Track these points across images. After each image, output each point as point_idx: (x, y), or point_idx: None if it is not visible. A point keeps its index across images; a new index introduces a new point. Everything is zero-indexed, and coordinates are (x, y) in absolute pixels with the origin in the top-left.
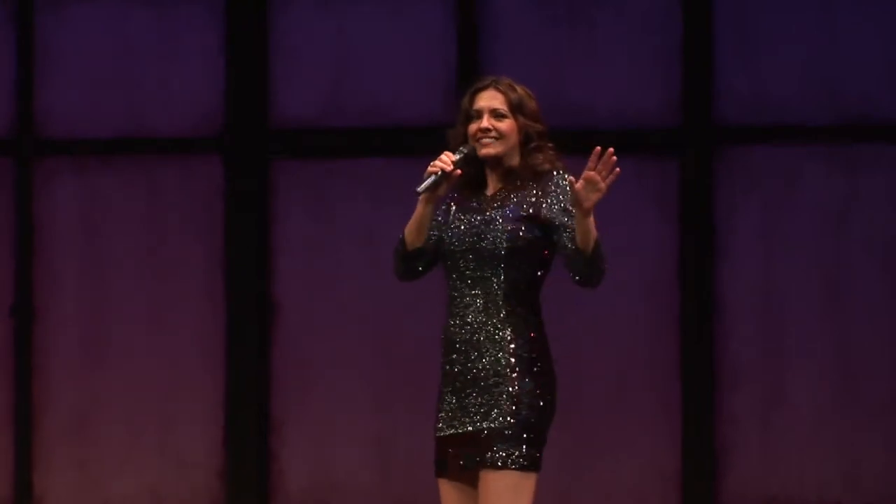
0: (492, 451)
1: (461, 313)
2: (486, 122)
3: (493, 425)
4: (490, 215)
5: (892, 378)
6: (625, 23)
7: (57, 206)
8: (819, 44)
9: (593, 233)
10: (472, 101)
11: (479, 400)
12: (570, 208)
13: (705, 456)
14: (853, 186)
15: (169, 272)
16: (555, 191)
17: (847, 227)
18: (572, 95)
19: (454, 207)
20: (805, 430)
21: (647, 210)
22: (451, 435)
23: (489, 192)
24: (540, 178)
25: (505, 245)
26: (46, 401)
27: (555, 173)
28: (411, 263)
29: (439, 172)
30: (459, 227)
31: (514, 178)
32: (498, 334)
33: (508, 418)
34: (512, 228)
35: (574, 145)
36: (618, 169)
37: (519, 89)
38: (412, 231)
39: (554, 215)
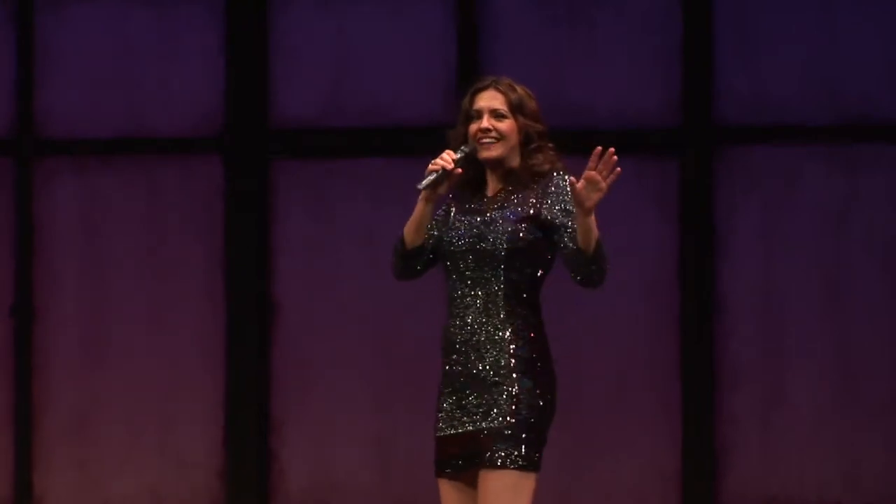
0: (491, 450)
1: (461, 314)
2: (486, 122)
3: (492, 425)
4: (490, 216)
5: (892, 378)
6: (625, 23)
7: (57, 206)
8: (819, 44)
9: (595, 232)
10: (472, 101)
11: (479, 400)
12: (571, 208)
13: (705, 456)
14: (853, 186)
15: (169, 272)
16: (555, 191)
17: (847, 227)
18: (572, 95)
19: (455, 208)
20: (805, 430)
21: (647, 210)
22: (450, 435)
23: (489, 192)
24: (540, 178)
25: (505, 246)
26: (46, 401)
27: (555, 174)
28: (410, 262)
29: (440, 170)
30: (460, 227)
31: (515, 178)
32: (498, 335)
33: (508, 418)
34: (512, 229)
35: (574, 145)
36: (619, 168)
37: (519, 89)
38: (411, 229)
39: (554, 216)
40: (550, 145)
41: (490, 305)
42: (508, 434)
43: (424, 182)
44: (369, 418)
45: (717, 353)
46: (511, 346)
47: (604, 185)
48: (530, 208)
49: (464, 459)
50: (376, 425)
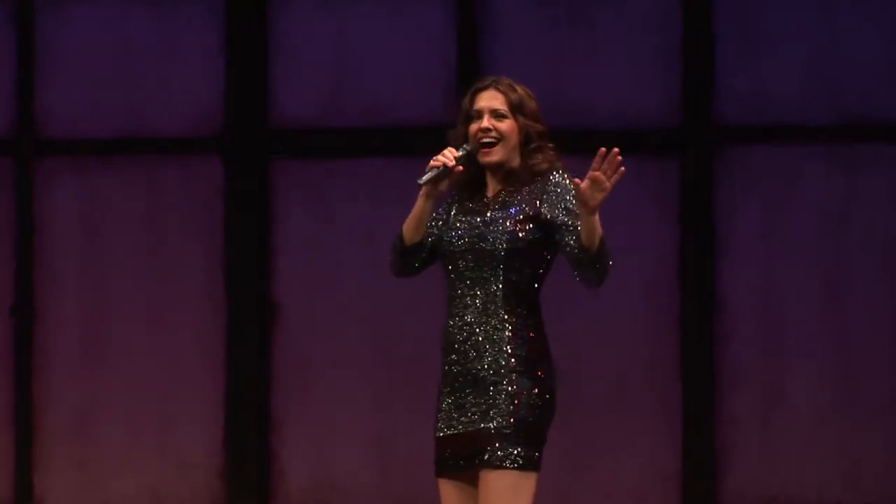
0: (491, 450)
1: (461, 313)
2: (486, 122)
3: (492, 425)
4: (490, 216)
5: (892, 378)
6: (625, 23)
7: (57, 206)
8: (819, 44)
9: (598, 231)
10: (472, 101)
11: (479, 400)
12: (571, 207)
13: (705, 456)
14: (853, 186)
15: (169, 272)
16: (555, 190)
17: (847, 227)
18: (572, 95)
19: (455, 208)
20: (805, 430)
21: (647, 210)
22: (450, 435)
23: (490, 193)
24: (539, 178)
25: (505, 246)
26: (46, 401)
27: (554, 173)
28: (408, 259)
29: (441, 167)
30: (459, 227)
31: (515, 178)
32: (497, 334)
33: (507, 418)
34: (512, 229)
35: (574, 145)
36: (622, 168)
37: (519, 89)
38: (411, 226)
39: (555, 215)
40: (550, 145)
41: (489, 305)
42: (508, 434)
43: (425, 177)
44: (369, 418)
45: (717, 353)
46: (510, 346)
47: (608, 184)
48: (530, 208)
49: (464, 459)
50: (376, 425)
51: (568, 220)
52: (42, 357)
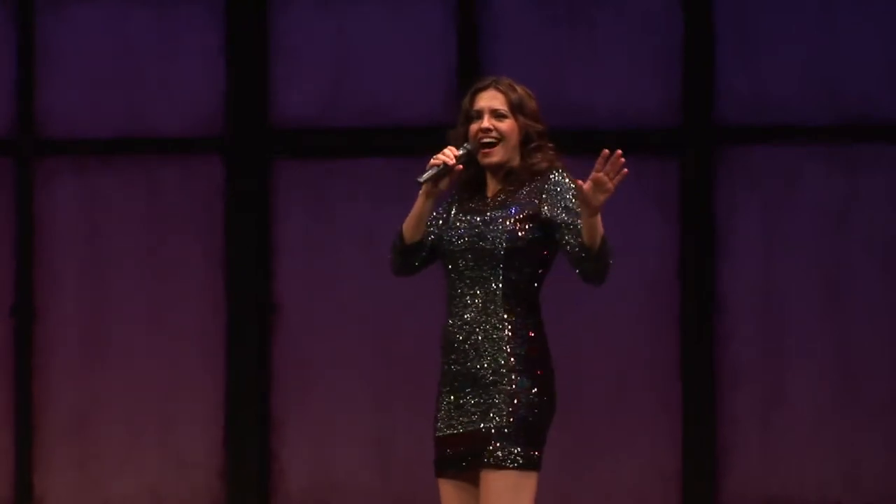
0: (491, 450)
1: (460, 313)
2: (486, 122)
3: (491, 425)
4: (490, 215)
5: (892, 378)
6: (625, 23)
7: (57, 206)
8: (819, 44)
9: (600, 230)
10: (472, 101)
11: (478, 399)
12: (571, 206)
13: (705, 456)
14: (853, 186)
15: (169, 272)
16: (554, 189)
17: (847, 227)
18: (572, 95)
19: (455, 207)
20: (805, 430)
21: (648, 210)
22: (450, 435)
23: (490, 192)
24: (539, 177)
25: (504, 245)
26: (46, 401)
27: (554, 172)
28: (408, 258)
29: (441, 165)
30: (459, 227)
31: (515, 178)
32: (496, 334)
33: (507, 418)
34: (512, 229)
35: (574, 145)
36: (625, 170)
37: (519, 89)
38: (410, 225)
39: (555, 214)
40: (550, 145)
41: (489, 305)
42: (507, 433)
43: (425, 175)
44: (369, 418)
45: (717, 353)
46: (510, 346)
47: (610, 186)
48: (530, 207)
49: (463, 459)
50: (376, 425)
51: (568, 219)
52: (42, 357)
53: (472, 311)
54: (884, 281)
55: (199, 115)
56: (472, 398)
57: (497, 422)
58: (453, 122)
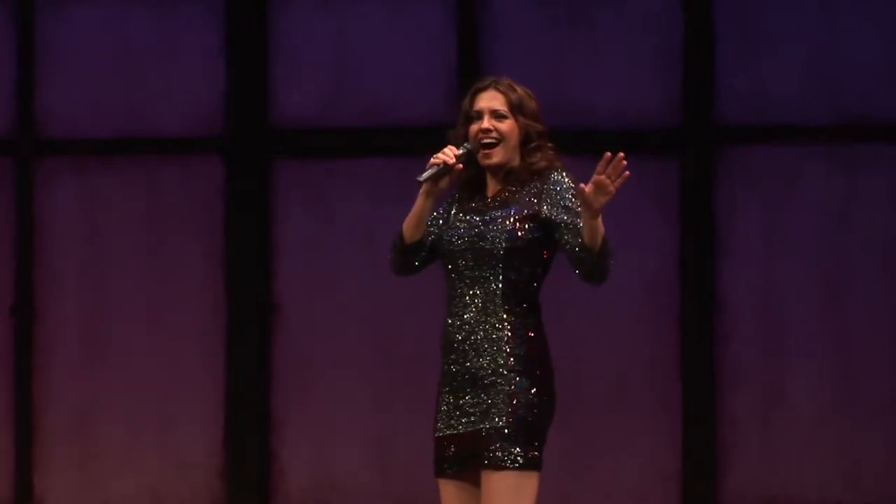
0: (491, 451)
1: (460, 313)
2: (486, 122)
3: (491, 425)
4: (490, 215)
5: (892, 378)
6: (625, 23)
7: (57, 206)
8: (819, 44)
9: (601, 231)
10: (472, 101)
11: (478, 400)
12: (571, 206)
13: (705, 456)
14: (853, 186)
15: (169, 272)
16: (554, 188)
17: (847, 227)
18: (572, 95)
19: (455, 207)
20: (805, 430)
21: (648, 210)
22: (450, 435)
23: (490, 192)
24: (539, 177)
25: (504, 245)
26: (46, 401)
27: (554, 172)
28: (408, 258)
29: (441, 164)
30: (459, 227)
31: (514, 178)
32: (496, 334)
33: (506, 418)
34: (511, 228)
35: (574, 145)
36: (626, 172)
37: (519, 90)
38: (411, 224)
39: (554, 214)
40: (550, 145)
41: (489, 304)
42: (507, 434)
43: (425, 174)
44: (369, 418)
45: (717, 353)
46: (509, 346)
47: (612, 188)
48: (530, 207)
49: (463, 459)
50: (376, 425)
51: (568, 219)
52: (42, 357)
53: (472, 311)
54: (884, 281)
55: (199, 115)
56: (472, 398)
57: (497, 422)
58: (453, 122)
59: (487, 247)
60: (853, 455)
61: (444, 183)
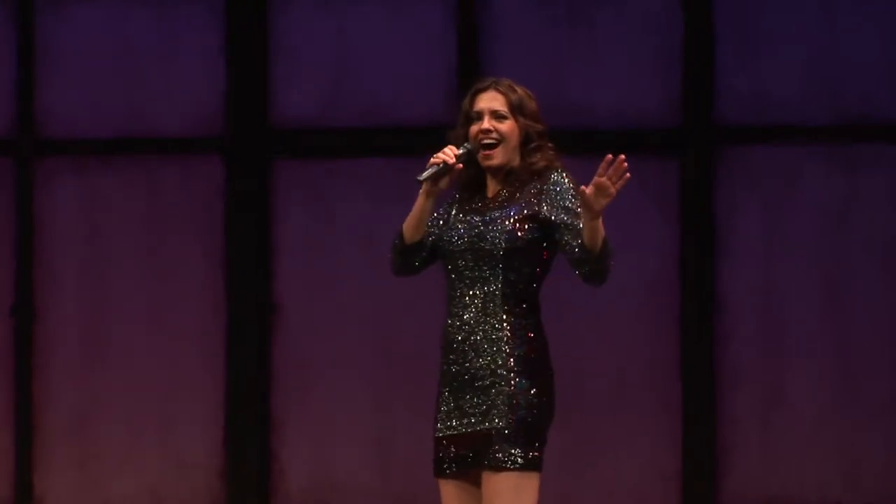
0: (491, 451)
1: (460, 313)
2: (486, 123)
3: (491, 426)
4: (490, 216)
5: (892, 378)
6: (625, 23)
7: (57, 206)
8: (819, 44)
9: (601, 232)
10: (472, 102)
11: (477, 400)
12: (571, 206)
13: (705, 456)
14: (853, 186)
15: (169, 272)
16: (554, 190)
17: (847, 227)
18: (572, 95)
19: (455, 208)
20: (805, 430)
21: (648, 210)
22: (449, 435)
23: (490, 193)
24: (539, 177)
25: (504, 245)
26: (46, 401)
27: (554, 172)
28: (408, 258)
29: (441, 164)
30: (459, 227)
31: (514, 178)
32: (496, 334)
33: (506, 419)
34: (511, 229)
35: (574, 145)
36: (627, 175)
37: (519, 90)
38: (411, 225)
39: (554, 215)
40: (550, 145)
41: (489, 305)
42: (507, 434)
43: (425, 174)
44: (369, 418)
45: (717, 353)
46: (509, 346)
47: (613, 190)
48: (530, 208)
49: (463, 460)
50: (376, 425)
51: (568, 220)
52: (42, 357)
53: (472, 312)
54: (884, 281)
55: (199, 115)
56: (472, 399)
57: (497, 423)
58: (453, 122)
59: (487, 247)
60: (853, 455)
61: (444, 183)
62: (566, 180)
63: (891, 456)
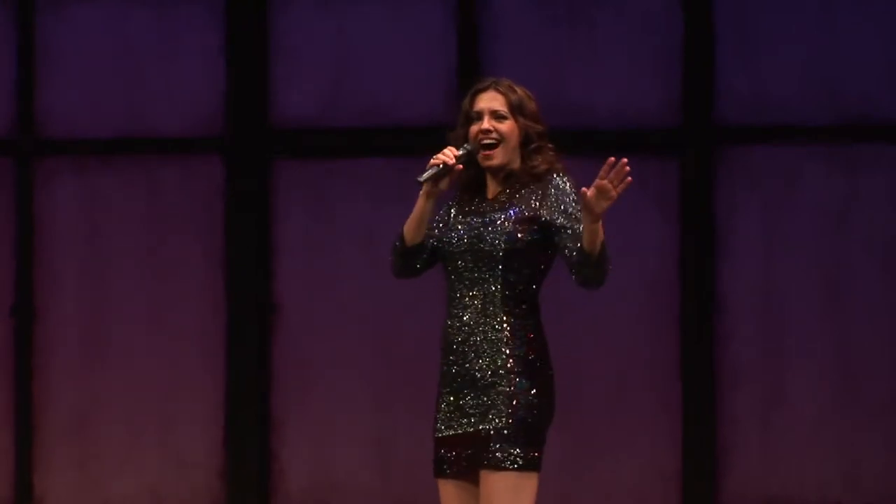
0: (490, 451)
1: (459, 314)
2: (486, 123)
3: (490, 426)
4: (490, 217)
5: (892, 378)
6: (625, 23)
7: (57, 206)
8: (819, 44)
9: (601, 236)
10: (472, 102)
11: (477, 401)
12: (571, 210)
13: (705, 456)
14: (853, 186)
15: (169, 272)
16: (554, 193)
17: (847, 227)
18: (572, 95)
19: (455, 209)
20: (805, 430)
21: (648, 210)
22: (449, 435)
23: (489, 194)
24: (539, 180)
25: (503, 246)
26: (46, 401)
27: (555, 176)
28: (409, 261)
29: (441, 165)
30: (459, 228)
31: (515, 180)
32: (496, 335)
33: (506, 419)
34: (511, 230)
35: (574, 145)
36: (629, 178)
37: (519, 90)
38: (411, 227)
39: (554, 217)
40: (550, 146)
41: (488, 306)
42: (507, 434)
43: (425, 175)
44: (369, 418)
45: (717, 353)
46: (509, 347)
47: (614, 193)
48: (529, 210)
49: (463, 460)
50: (376, 425)
51: (567, 223)
52: (42, 357)
53: (472, 313)
54: (884, 281)
55: (199, 115)
56: (472, 399)
57: (496, 423)
58: (453, 122)
59: (487, 248)
60: (853, 455)
61: (444, 184)
62: (567, 184)
63: (891, 456)
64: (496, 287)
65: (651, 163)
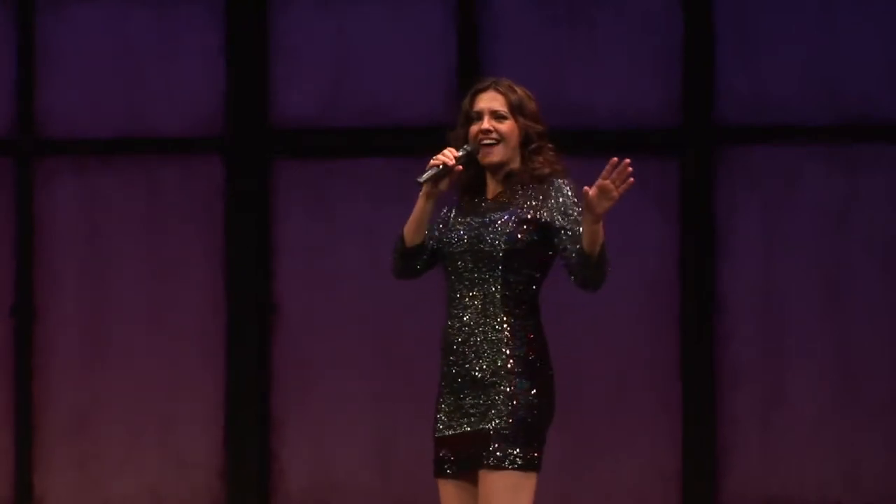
0: (490, 451)
1: (460, 314)
2: (486, 123)
3: (490, 426)
4: (489, 217)
5: (892, 378)
6: (625, 23)
7: (57, 206)
8: (819, 44)
9: (601, 238)
10: (472, 102)
11: (477, 401)
12: (571, 212)
13: (705, 456)
14: (853, 186)
15: (169, 272)
16: (554, 195)
17: (847, 227)
18: (572, 95)
19: (455, 210)
20: (805, 430)
21: (648, 210)
22: (449, 435)
23: (489, 195)
24: (540, 181)
25: (503, 247)
26: (46, 401)
27: (556, 179)
28: (410, 262)
29: (441, 165)
30: (459, 228)
31: (515, 180)
32: (496, 336)
33: (506, 419)
34: (511, 231)
35: (574, 145)
36: (631, 179)
37: (519, 90)
38: (411, 228)
39: (554, 219)
40: (550, 146)
41: (488, 306)
42: (507, 434)
43: (425, 175)
44: (369, 418)
45: (717, 353)
46: (509, 347)
47: (616, 194)
48: (529, 211)
49: (463, 460)
50: (376, 425)
51: (567, 225)
52: (42, 357)
53: (472, 313)
54: (884, 281)
55: (199, 115)
56: (472, 399)
57: (496, 423)
58: (453, 122)
59: (486, 249)
60: (853, 455)
61: (444, 185)
62: (568, 190)
63: (891, 456)
64: (496, 287)
65: (651, 163)
